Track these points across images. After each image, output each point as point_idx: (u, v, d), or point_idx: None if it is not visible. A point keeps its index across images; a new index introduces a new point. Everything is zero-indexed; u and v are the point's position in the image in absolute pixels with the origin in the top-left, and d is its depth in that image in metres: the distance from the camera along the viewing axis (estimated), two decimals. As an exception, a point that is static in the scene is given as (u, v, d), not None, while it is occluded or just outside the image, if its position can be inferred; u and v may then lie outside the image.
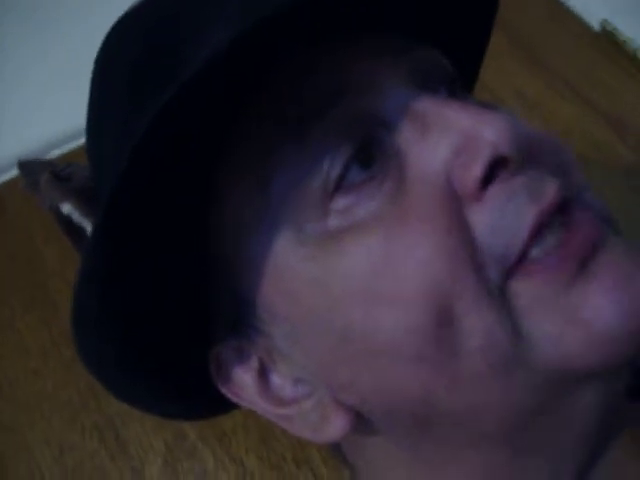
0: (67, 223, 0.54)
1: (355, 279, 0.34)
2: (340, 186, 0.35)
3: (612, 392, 0.36)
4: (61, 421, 0.70)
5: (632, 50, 0.90)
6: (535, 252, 0.33)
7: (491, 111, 0.34)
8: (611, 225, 0.36)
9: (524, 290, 0.33)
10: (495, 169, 0.33)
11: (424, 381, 0.35)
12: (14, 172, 0.86)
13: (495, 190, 0.33)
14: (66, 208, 0.53)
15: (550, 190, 0.34)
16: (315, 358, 0.37)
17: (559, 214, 0.34)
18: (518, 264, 0.33)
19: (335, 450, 0.48)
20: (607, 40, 0.91)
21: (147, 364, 0.39)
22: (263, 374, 0.39)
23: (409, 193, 0.34)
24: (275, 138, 0.35)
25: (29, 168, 0.63)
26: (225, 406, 0.44)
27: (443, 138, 0.34)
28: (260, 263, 0.36)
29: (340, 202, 0.35)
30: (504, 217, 0.33)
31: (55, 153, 0.86)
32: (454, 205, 0.34)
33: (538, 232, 0.33)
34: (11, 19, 0.95)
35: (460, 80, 0.40)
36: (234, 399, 0.40)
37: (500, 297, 0.33)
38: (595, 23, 0.93)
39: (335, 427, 0.38)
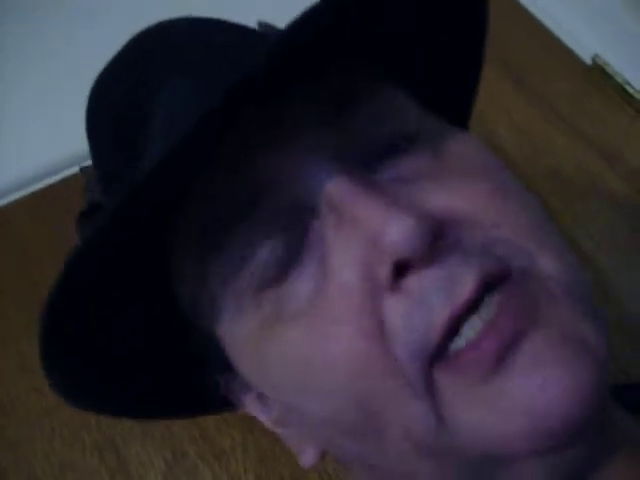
0: None
1: (284, 368, 0.37)
2: (269, 279, 0.36)
3: (564, 461, 0.36)
4: (62, 439, 0.70)
5: (622, 82, 0.92)
6: (454, 345, 0.34)
7: (406, 201, 0.35)
8: (565, 290, 0.35)
9: (444, 383, 0.34)
10: (406, 265, 0.34)
11: (362, 449, 0.38)
12: (19, 192, 0.87)
13: (408, 283, 0.34)
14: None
15: (466, 283, 0.33)
16: (282, 411, 0.42)
17: (483, 297, 0.34)
18: (437, 356, 0.34)
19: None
20: (598, 73, 0.94)
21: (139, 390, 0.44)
22: (259, 400, 0.44)
23: (328, 290, 0.35)
24: (210, 230, 0.37)
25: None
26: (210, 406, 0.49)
27: (355, 237, 0.35)
28: (217, 330, 0.40)
29: (271, 293, 0.37)
30: (415, 315, 0.33)
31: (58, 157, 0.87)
32: (369, 303, 0.34)
33: (454, 325, 0.33)
34: (11, 19, 0.96)
35: (411, 135, 0.39)
36: (247, 412, 0.45)
37: (425, 389, 0.34)
38: (587, 57, 0.95)
39: (307, 457, 0.43)
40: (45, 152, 0.87)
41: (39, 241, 0.81)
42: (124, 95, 0.42)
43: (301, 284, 0.36)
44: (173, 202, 0.37)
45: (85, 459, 0.69)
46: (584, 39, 0.96)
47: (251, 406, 0.44)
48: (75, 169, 0.81)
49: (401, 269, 0.34)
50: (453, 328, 0.33)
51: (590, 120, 0.90)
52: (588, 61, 0.95)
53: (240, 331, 0.38)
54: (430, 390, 0.34)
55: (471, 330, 0.33)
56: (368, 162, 0.38)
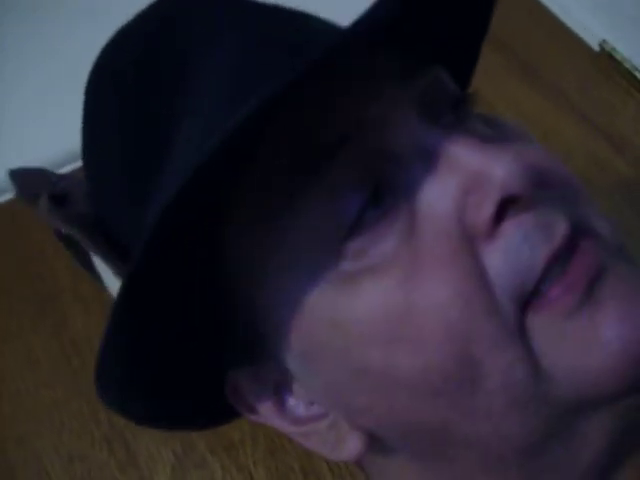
0: (66, 240, 0.53)
1: (372, 322, 0.35)
2: (354, 227, 0.35)
3: (629, 412, 0.36)
4: (71, 432, 0.71)
5: (630, 69, 0.92)
6: (542, 286, 0.34)
7: (500, 145, 0.34)
8: (618, 250, 0.36)
9: (537, 325, 0.34)
10: (506, 207, 0.34)
11: (441, 413, 0.35)
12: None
13: (507, 228, 0.34)
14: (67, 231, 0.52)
15: (561, 227, 0.34)
16: (331, 388, 0.38)
17: (566, 247, 0.34)
18: (530, 300, 0.34)
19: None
20: (606, 59, 0.93)
21: (163, 387, 0.41)
22: (279, 395, 0.40)
23: (422, 235, 0.34)
24: (285, 184, 0.35)
25: (23, 179, 0.61)
26: (232, 414, 0.45)
27: (453, 178, 0.34)
28: (276, 301, 0.37)
29: (354, 244, 0.35)
30: (519, 258, 0.33)
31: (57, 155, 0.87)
32: (467, 247, 0.34)
33: (552, 266, 0.34)
34: (11, 19, 0.96)
35: (464, 99, 0.40)
36: (252, 418, 0.41)
37: (519, 335, 0.34)
38: (594, 43, 0.95)
39: (350, 448, 0.39)
40: (45, 150, 0.87)
41: (42, 236, 0.81)
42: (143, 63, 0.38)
43: (391, 232, 0.35)
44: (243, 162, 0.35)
45: (94, 451, 0.69)
46: (591, 25, 0.95)
47: (266, 410, 0.40)
48: (75, 166, 0.81)
49: (500, 213, 0.34)
50: (550, 269, 0.34)
51: (598, 107, 0.89)
52: (596, 47, 0.94)
53: (310, 290, 0.36)
54: (524, 335, 0.34)
55: (558, 269, 0.34)
56: (445, 115, 0.38)
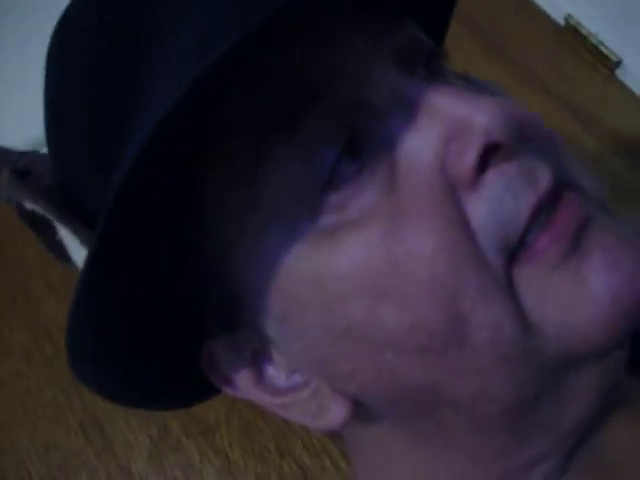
0: (30, 217, 0.53)
1: (354, 278, 0.34)
2: (332, 181, 0.34)
3: (617, 366, 0.37)
4: (46, 420, 0.70)
5: (596, 43, 0.92)
6: (528, 237, 0.33)
7: (480, 95, 0.34)
8: (602, 205, 0.36)
9: (524, 278, 0.33)
10: (488, 155, 0.33)
11: (428, 372, 0.35)
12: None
13: (490, 177, 0.33)
14: (30, 206, 0.51)
15: (544, 176, 0.33)
16: (313, 352, 0.37)
17: (550, 197, 0.34)
18: (516, 253, 0.33)
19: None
20: (571, 34, 0.93)
21: (136, 357, 0.39)
22: (257, 365, 0.39)
23: (403, 186, 0.34)
24: (261, 136, 0.34)
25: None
26: (209, 392, 0.45)
27: (434, 127, 0.34)
28: (253, 263, 0.36)
29: (332, 199, 0.34)
30: (502, 207, 0.33)
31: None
32: (450, 197, 0.33)
33: (536, 215, 0.33)
34: (11, 19, 0.95)
35: (437, 52, 0.39)
36: (228, 391, 0.40)
37: (507, 288, 0.33)
38: (559, 17, 0.95)
39: (334, 415, 0.38)
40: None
41: (11, 222, 0.80)
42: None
43: (371, 185, 0.34)
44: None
45: (70, 439, 0.69)
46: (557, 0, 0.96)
47: (244, 381, 0.39)
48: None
49: (483, 162, 0.33)
50: (534, 219, 0.33)
51: (564, 81, 0.89)
52: (561, 22, 0.95)
53: (288, 249, 0.35)
54: (511, 289, 0.33)
55: (543, 220, 0.33)
56: (418, 67, 0.37)
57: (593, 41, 0.92)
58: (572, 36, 0.93)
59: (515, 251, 0.33)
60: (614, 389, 0.37)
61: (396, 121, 0.34)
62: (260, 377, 0.39)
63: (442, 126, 0.33)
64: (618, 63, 0.92)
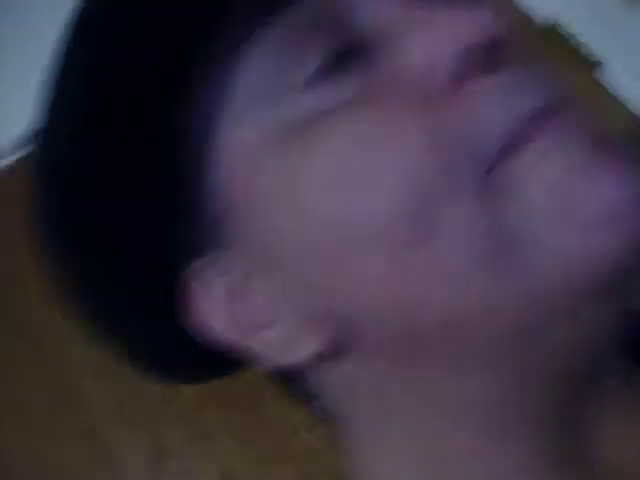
0: None
1: (326, 165, 0.34)
2: (310, 82, 0.34)
3: (611, 320, 0.34)
4: (38, 428, 0.70)
5: (576, 44, 0.93)
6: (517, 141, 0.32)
7: (466, 6, 0.33)
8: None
9: (513, 174, 0.32)
10: (469, 65, 0.33)
11: (401, 279, 0.33)
12: None
13: (471, 85, 0.33)
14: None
15: (532, 91, 0.33)
16: (287, 267, 0.36)
17: (539, 115, 0.32)
18: (503, 152, 0.32)
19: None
20: (552, 35, 0.95)
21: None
22: (233, 300, 0.37)
23: (383, 86, 0.34)
24: (243, 31, 0.34)
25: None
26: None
27: (419, 40, 0.33)
28: (226, 162, 0.35)
29: (309, 96, 0.34)
30: (479, 115, 0.32)
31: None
32: (429, 102, 0.33)
33: (520, 129, 0.32)
34: (11, 19, 0.93)
35: None
36: (199, 331, 0.37)
37: (489, 186, 0.32)
38: (540, 19, 0.96)
39: (305, 347, 0.36)
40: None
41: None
42: None
43: (350, 84, 0.34)
44: None
45: (64, 448, 0.68)
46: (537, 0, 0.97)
47: (216, 316, 0.36)
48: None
49: (462, 74, 0.32)
50: (520, 129, 0.32)
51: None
52: (542, 23, 0.96)
53: (260, 144, 0.34)
54: (501, 188, 0.32)
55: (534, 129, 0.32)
56: None
57: (573, 42, 0.94)
58: (552, 37, 0.94)
59: (502, 151, 0.32)
60: (611, 351, 0.36)
61: (382, 25, 0.34)
62: (233, 315, 0.37)
63: (426, 41, 0.33)
64: (598, 63, 0.93)
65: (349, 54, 0.34)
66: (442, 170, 0.32)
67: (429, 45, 0.33)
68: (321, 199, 0.34)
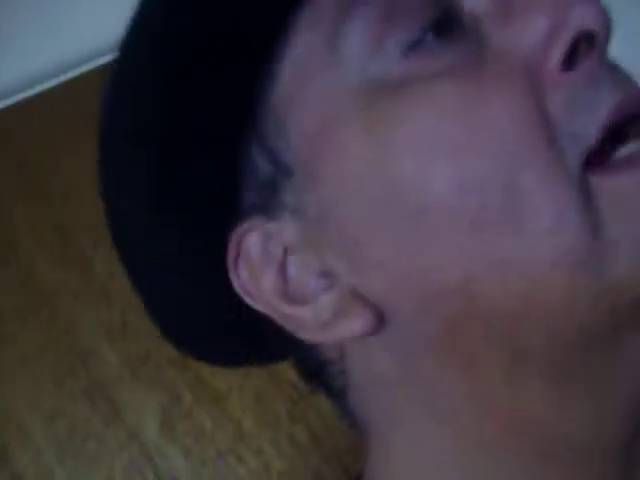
0: None
1: (413, 128, 0.32)
2: (409, 47, 0.32)
3: None
4: (47, 386, 0.69)
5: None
6: (617, 153, 0.31)
7: None
8: None
9: (608, 187, 0.31)
10: (578, 53, 0.32)
11: (470, 259, 0.32)
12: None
13: (576, 74, 0.32)
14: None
15: (635, 86, 0.32)
16: (348, 232, 0.34)
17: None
18: (598, 156, 0.31)
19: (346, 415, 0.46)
20: None
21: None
22: (283, 267, 0.35)
23: (487, 62, 0.32)
24: None
25: None
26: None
27: (529, 23, 0.32)
28: (308, 116, 0.34)
29: (406, 61, 0.33)
30: (583, 96, 0.31)
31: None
32: (533, 83, 0.32)
33: (619, 126, 0.31)
34: None
35: None
36: (242, 292, 0.36)
37: (579, 186, 0.31)
38: None
39: (351, 323, 0.34)
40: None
41: (1, 177, 0.77)
42: None
43: (453, 54, 0.32)
44: None
45: (75, 406, 0.67)
46: None
47: (267, 279, 0.35)
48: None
49: (570, 62, 0.31)
50: (620, 127, 0.31)
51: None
52: None
53: (347, 102, 0.33)
54: (591, 193, 0.31)
55: (637, 141, 0.31)
56: None
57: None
58: None
59: (597, 155, 0.31)
60: None
61: (488, 14, 0.33)
62: (283, 280, 0.35)
63: (537, 23, 0.32)
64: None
65: (449, 23, 0.33)
66: (542, 148, 0.31)
67: (550, 26, 0.32)
68: (409, 166, 0.32)
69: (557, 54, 0.31)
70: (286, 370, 0.65)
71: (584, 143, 0.31)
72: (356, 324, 0.34)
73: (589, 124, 0.31)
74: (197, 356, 0.44)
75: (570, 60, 0.32)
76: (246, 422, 0.66)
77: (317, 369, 0.39)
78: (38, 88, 0.82)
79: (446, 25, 0.33)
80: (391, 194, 0.32)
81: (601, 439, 0.34)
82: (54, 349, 0.70)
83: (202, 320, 0.40)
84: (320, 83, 0.34)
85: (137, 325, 0.67)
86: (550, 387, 0.33)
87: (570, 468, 0.35)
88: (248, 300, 0.36)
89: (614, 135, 0.31)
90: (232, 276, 0.36)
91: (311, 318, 0.35)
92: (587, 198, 0.30)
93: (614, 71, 0.32)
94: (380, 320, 0.34)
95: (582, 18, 0.31)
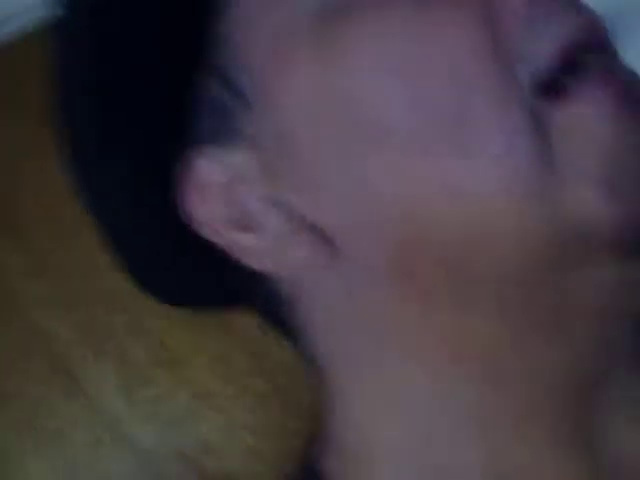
0: None
1: (366, 50, 0.32)
2: None
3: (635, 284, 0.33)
4: (2, 368, 0.67)
5: None
6: (571, 81, 0.31)
7: None
8: None
9: (559, 117, 0.31)
10: None
11: (420, 183, 0.31)
12: None
13: (536, 4, 0.32)
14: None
15: (595, 20, 0.32)
16: (301, 158, 0.34)
17: (596, 52, 0.32)
18: (556, 88, 0.31)
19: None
20: None
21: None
22: (229, 195, 0.36)
23: None
24: None
25: None
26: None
27: None
28: (264, 44, 0.34)
29: None
30: (541, 26, 0.31)
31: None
32: (490, 9, 0.32)
33: (573, 56, 0.31)
34: None
35: None
36: (190, 218, 0.36)
37: (531, 112, 0.31)
38: None
39: (299, 251, 0.34)
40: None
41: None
42: None
43: None
44: None
45: (32, 386, 0.66)
46: None
47: (216, 205, 0.35)
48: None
49: None
50: (574, 57, 0.31)
51: None
52: None
53: (303, 27, 0.33)
54: (544, 121, 0.30)
55: (592, 73, 0.31)
56: None
57: None
58: None
59: (551, 84, 0.31)
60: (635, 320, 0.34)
61: None
62: (234, 207, 0.36)
63: None
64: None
65: None
66: (494, 73, 0.31)
67: None
68: (361, 87, 0.32)
69: None
70: (245, 327, 0.65)
71: (535, 68, 0.31)
72: (303, 252, 0.34)
73: (543, 50, 0.31)
74: (156, 292, 0.44)
75: None
76: (207, 381, 0.66)
77: (274, 307, 0.39)
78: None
79: None
80: (342, 116, 0.32)
81: (558, 378, 0.34)
82: (6, 329, 0.69)
83: (159, 249, 0.40)
84: (273, 10, 0.34)
85: (88, 297, 0.66)
86: (501, 317, 0.33)
87: (528, 406, 0.35)
88: (196, 226, 0.36)
89: (573, 68, 0.32)
90: (180, 201, 0.36)
91: (258, 245, 0.35)
92: (539, 125, 0.30)
93: (574, 3, 0.32)
94: (330, 250, 0.34)
95: None
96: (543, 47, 0.31)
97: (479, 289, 0.32)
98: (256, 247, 0.35)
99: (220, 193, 0.36)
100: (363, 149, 0.32)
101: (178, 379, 0.66)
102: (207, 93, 0.36)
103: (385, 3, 0.32)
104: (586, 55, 0.32)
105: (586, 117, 0.31)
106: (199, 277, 0.41)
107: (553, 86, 0.31)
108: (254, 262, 0.36)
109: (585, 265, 0.31)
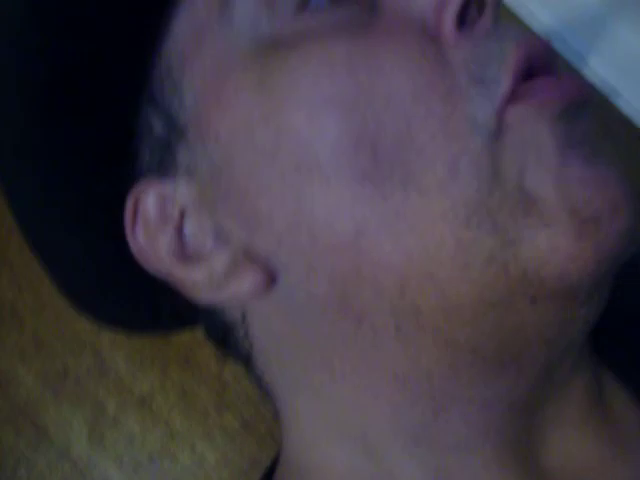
0: None
1: (304, 82, 0.32)
2: (304, 7, 0.33)
3: (581, 324, 0.33)
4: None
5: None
6: (521, 89, 0.31)
7: None
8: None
9: (515, 115, 0.30)
10: (470, 12, 0.32)
11: (359, 214, 0.31)
12: None
13: (474, 33, 0.32)
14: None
15: (535, 36, 0.32)
16: (239, 187, 0.34)
17: (542, 70, 0.32)
18: (510, 98, 0.31)
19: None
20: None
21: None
22: (170, 228, 0.35)
23: (380, 19, 0.32)
24: None
25: None
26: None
27: None
28: (201, 76, 0.34)
29: (303, 18, 0.33)
30: (487, 51, 0.31)
31: None
32: (431, 40, 0.32)
33: (523, 73, 0.31)
34: None
35: None
36: (137, 253, 0.36)
37: (486, 133, 0.30)
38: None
39: (241, 282, 0.34)
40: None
41: None
42: None
43: (345, 12, 0.33)
44: None
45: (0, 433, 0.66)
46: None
47: (163, 239, 0.35)
48: None
49: (463, 18, 0.32)
50: (523, 73, 0.31)
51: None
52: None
53: (239, 59, 0.33)
54: (493, 140, 0.30)
55: (539, 81, 0.31)
56: None
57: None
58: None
59: (509, 99, 0.31)
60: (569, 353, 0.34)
61: None
62: (179, 241, 0.35)
63: None
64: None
65: None
66: (437, 99, 0.30)
67: None
68: (299, 118, 0.31)
69: (449, 18, 0.31)
70: (207, 362, 0.65)
71: (496, 89, 0.30)
72: (245, 283, 0.34)
73: (498, 72, 0.30)
74: (102, 319, 0.44)
75: (464, 20, 0.32)
76: (174, 420, 0.65)
77: (223, 334, 0.39)
78: None
79: None
80: (280, 145, 0.32)
81: (503, 404, 0.34)
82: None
83: (108, 282, 0.40)
84: (212, 43, 0.34)
85: (50, 342, 0.66)
86: (444, 350, 0.32)
87: (473, 429, 0.35)
88: (142, 262, 0.36)
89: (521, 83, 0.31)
90: (128, 237, 0.36)
91: (203, 278, 0.35)
92: (492, 145, 0.30)
93: (511, 26, 0.32)
94: (272, 279, 0.34)
95: None
96: (497, 68, 0.31)
97: (420, 321, 0.32)
98: (199, 280, 0.35)
99: (162, 225, 0.36)
100: (297, 180, 0.32)
101: (145, 420, 0.66)
102: (150, 126, 0.36)
103: (321, 35, 0.32)
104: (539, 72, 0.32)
105: (538, 109, 0.31)
106: (145, 303, 0.41)
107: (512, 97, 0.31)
108: (198, 295, 0.36)
109: (532, 303, 0.31)
